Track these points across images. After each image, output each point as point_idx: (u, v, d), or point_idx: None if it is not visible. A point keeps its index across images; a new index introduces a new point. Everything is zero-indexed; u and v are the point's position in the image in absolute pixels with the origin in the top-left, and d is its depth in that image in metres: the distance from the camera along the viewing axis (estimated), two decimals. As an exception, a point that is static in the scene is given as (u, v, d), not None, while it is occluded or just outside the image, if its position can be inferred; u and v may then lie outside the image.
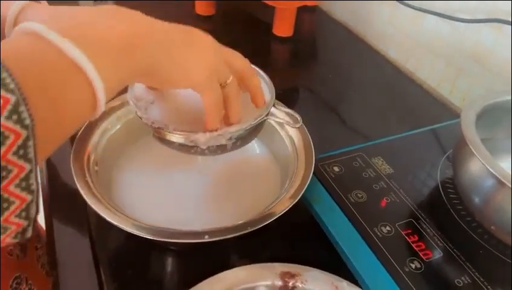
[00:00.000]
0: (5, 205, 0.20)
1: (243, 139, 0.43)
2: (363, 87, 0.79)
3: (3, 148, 0.19)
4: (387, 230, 0.44)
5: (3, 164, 0.19)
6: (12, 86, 0.20)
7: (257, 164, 0.53)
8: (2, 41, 0.23)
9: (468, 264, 0.42)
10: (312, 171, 0.47)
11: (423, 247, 0.43)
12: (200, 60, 0.33)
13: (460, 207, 0.47)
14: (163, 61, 0.30)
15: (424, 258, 0.42)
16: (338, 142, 0.60)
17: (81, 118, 0.26)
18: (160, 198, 0.49)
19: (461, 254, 0.43)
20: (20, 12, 0.40)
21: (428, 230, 0.45)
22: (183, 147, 0.41)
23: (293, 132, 0.52)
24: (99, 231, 0.48)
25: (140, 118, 0.41)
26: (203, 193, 0.50)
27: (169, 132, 0.40)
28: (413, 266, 0.41)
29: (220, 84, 0.36)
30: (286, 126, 0.53)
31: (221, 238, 0.39)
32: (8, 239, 0.22)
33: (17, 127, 0.20)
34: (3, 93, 0.19)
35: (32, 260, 0.44)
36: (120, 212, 0.41)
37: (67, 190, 0.51)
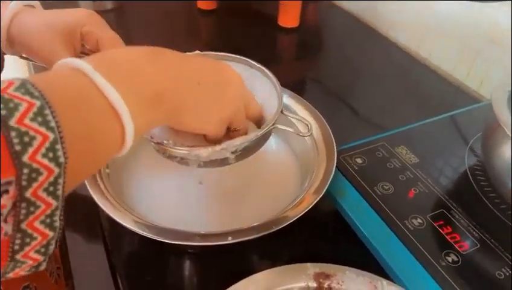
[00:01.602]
0: (27, 240, 0.20)
1: (248, 151, 0.40)
2: (374, 76, 0.77)
3: (35, 185, 0.19)
4: (419, 222, 0.42)
5: (33, 199, 0.19)
6: (52, 124, 0.20)
7: (274, 159, 0.51)
8: (45, 73, 0.24)
9: (507, 254, 0.39)
10: (335, 163, 0.44)
11: (458, 238, 0.40)
12: (221, 113, 0.34)
13: (493, 194, 0.45)
14: (187, 111, 0.31)
15: (460, 250, 0.39)
16: (354, 133, 0.58)
17: (107, 158, 0.27)
18: (175, 200, 0.47)
19: (499, 244, 0.40)
20: (15, 17, 0.39)
21: (461, 220, 0.42)
22: (185, 161, 0.39)
23: (312, 124, 0.49)
24: (114, 238, 0.46)
25: None
26: (219, 194, 0.48)
27: (170, 147, 0.37)
28: (449, 259, 0.39)
29: (230, 129, 0.37)
30: (302, 115, 0.50)
31: (245, 239, 0.37)
32: (21, 272, 0.22)
33: (52, 165, 0.20)
34: (43, 130, 0.20)
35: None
36: (137, 217, 0.39)
37: (78, 196, 0.49)
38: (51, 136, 0.20)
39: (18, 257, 0.20)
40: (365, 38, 0.89)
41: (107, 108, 0.24)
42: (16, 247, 0.20)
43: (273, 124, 0.40)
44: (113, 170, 0.45)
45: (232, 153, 0.38)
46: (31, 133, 0.19)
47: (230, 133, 0.38)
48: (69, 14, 0.40)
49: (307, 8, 0.93)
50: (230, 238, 0.37)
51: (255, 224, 0.38)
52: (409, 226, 0.41)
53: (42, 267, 0.23)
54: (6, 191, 0.19)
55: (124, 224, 0.38)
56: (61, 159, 0.20)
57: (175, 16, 0.92)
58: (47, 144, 0.20)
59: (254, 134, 0.38)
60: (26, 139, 0.19)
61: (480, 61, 0.70)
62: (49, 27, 0.38)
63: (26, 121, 0.19)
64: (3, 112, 0.19)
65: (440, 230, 0.41)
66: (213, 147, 0.37)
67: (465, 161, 0.50)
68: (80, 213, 0.48)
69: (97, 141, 0.24)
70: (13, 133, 0.19)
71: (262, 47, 0.83)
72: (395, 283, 0.35)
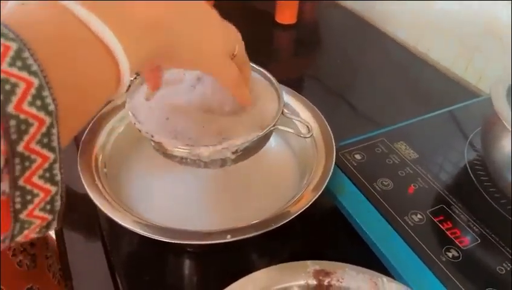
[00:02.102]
0: (28, 197, 0.19)
1: (248, 151, 0.40)
2: (372, 72, 0.77)
3: (27, 137, 0.18)
4: (419, 218, 0.41)
5: (26, 153, 0.18)
6: (34, 67, 0.18)
7: (273, 157, 0.51)
8: (18, 9, 0.21)
9: (507, 249, 0.39)
10: (334, 160, 0.44)
11: (458, 234, 0.40)
12: (213, 37, 0.31)
13: (494, 189, 0.45)
14: (183, 43, 0.28)
15: (460, 246, 0.39)
16: (352, 130, 0.57)
17: (103, 99, 0.24)
18: (174, 199, 0.46)
19: (499, 239, 0.40)
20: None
21: (461, 216, 0.42)
22: (186, 161, 0.39)
23: (310, 121, 0.49)
24: (112, 237, 0.45)
25: (140, 130, 0.38)
26: (218, 192, 0.47)
27: (170, 147, 0.37)
28: (450, 255, 0.38)
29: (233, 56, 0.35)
30: (301, 114, 0.50)
31: (244, 237, 0.37)
32: (32, 234, 0.20)
33: (41, 114, 0.18)
34: (26, 75, 0.18)
35: (43, 270, 0.42)
36: (136, 216, 0.38)
37: (76, 195, 0.49)
38: (35, 81, 0.18)
39: (22, 216, 0.19)
40: (363, 35, 0.88)
41: (96, 44, 0.22)
42: (18, 206, 0.19)
43: (274, 125, 0.39)
44: (111, 169, 0.45)
45: (233, 153, 0.38)
46: (12, 79, 0.17)
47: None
48: None
49: (305, 4, 0.93)
50: (229, 236, 0.36)
51: (254, 222, 0.38)
52: (409, 222, 0.41)
53: (53, 227, 0.21)
54: None
55: (123, 224, 0.37)
56: (51, 107, 0.19)
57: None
58: (32, 91, 0.18)
59: (255, 134, 0.38)
60: (8, 87, 0.17)
61: (479, 56, 0.69)
62: None
63: (4, 66, 0.17)
64: None
65: (440, 225, 0.41)
66: (214, 147, 0.36)
67: (464, 155, 0.50)
68: (78, 213, 0.48)
69: (89, 82, 0.22)
70: None
71: (260, 44, 0.83)
72: (395, 279, 0.35)
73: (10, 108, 0.17)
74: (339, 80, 0.74)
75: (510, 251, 0.39)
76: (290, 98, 0.51)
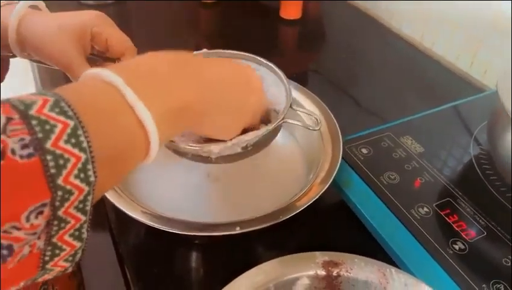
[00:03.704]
0: (56, 251, 0.21)
1: (258, 146, 0.40)
2: (377, 67, 0.77)
3: (67, 204, 0.20)
4: (425, 211, 0.42)
5: (64, 217, 0.20)
6: (84, 144, 0.20)
7: (281, 151, 0.51)
8: (75, 86, 0.24)
9: (513, 242, 0.40)
10: (341, 153, 0.44)
11: (464, 227, 0.41)
12: (241, 121, 0.35)
13: (499, 183, 0.45)
14: (209, 121, 0.32)
15: (467, 238, 0.40)
16: (358, 124, 0.58)
17: (131, 169, 0.27)
18: (182, 191, 0.47)
19: (505, 231, 0.40)
20: (22, 19, 0.39)
21: (467, 209, 0.42)
22: (197, 158, 0.39)
23: (316, 114, 0.49)
24: (121, 230, 0.46)
25: None
26: (226, 185, 0.48)
27: (181, 145, 0.37)
28: (456, 247, 0.39)
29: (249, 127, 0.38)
30: (308, 108, 0.50)
31: (253, 229, 0.37)
32: (49, 277, 0.23)
33: (83, 185, 0.20)
34: (77, 152, 0.20)
35: (55, 265, 0.43)
36: (145, 208, 0.39)
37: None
38: (83, 157, 0.20)
39: (48, 266, 0.21)
40: (368, 29, 0.89)
41: (134, 122, 0.24)
42: (46, 258, 0.21)
43: (283, 119, 0.40)
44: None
45: (243, 148, 0.38)
46: (66, 155, 0.20)
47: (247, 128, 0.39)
48: (79, 16, 0.40)
49: (309, 0, 0.93)
50: (238, 228, 0.37)
51: (263, 214, 0.38)
52: (416, 215, 0.41)
53: (69, 271, 0.23)
54: (41, 213, 0.19)
55: (132, 215, 0.38)
56: (92, 179, 0.21)
57: (177, 8, 0.92)
58: (79, 165, 0.20)
59: (265, 129, 0.38)
60: (61, 161, 0.19)
61: (484, 50, 0.70)
62: (60, 29, 0.38)
63: (61, 143, 0.20)
64: (40, 135, 0.19)
65: (446, 219, 0.41)
66: (224, 143, 0.37)
67: (470, 150, 0.50)
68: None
69: (124, 156, 0.25)
70: (49, 157, 0.19)
71: (265, 39, 0.83)
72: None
73: (60, 180, 0.19)
74: (344, 75, 0.74)
75: (516, 244, 0.39)
76: (296, 93, 0.52)
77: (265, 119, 0.41)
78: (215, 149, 0.37)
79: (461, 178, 0.46)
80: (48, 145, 0.19)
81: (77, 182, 0.20)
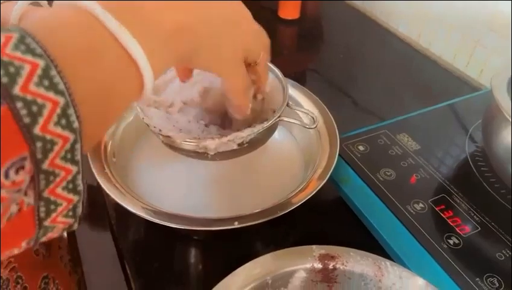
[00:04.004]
0: (51, 207, 0.19)
1: (255, 143, 0.41)
2: (374, 67, 0.77)
3: (52, 155, 0.18)
4: (421, 207, 0.43)
5: (50, 169, 0.18)
6: (61, 86, 0.18)
7: (278, 147, 0.52)
8: (45, 17, 0.21)
9: (506, 237, 0.40)
10: (338, 150, 0.45)
11: (459, 222, 0.41)
12: (232, 41, 0.31)
13: (494, 179, 0.46)
14: (202, 46, 0.28)
15: (461, 233, 0.40)
16: (355, 123, 0.58)
17: (125, 107, 0.24)
18: (181, 187, 0.47)
19: (499, 226, 0.41)
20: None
21: (462, 205, 0.43)
22: (193, 154, 0.39)
23: (314, 112, 0.50)
24: (121, 225, 0.46)
25: (148, 125, 0.39)
26: (224, 181, 0.48)
27: (177, 140, 0.38)
28: (451, 242, 0.39)
29: (250, 64, 0.34)
30: (305, 106, 0.51)
31: (251, 223, 0.38)
32: (54, 235, 0.21)
33: (66, 132, 0.18)
34: (52, 95, 0.17)
35: (56, 259, 0.43)
36: (145, 204, 0.39)
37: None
38: (61, 100, 0.18)
39: (46, 223, 0.20)
40: (365, 29, 0.89)
41: (121, 55, 0.21)
42: (42, 215, 0.19)
43: (279, 116, 0.40)
44: (119, 158, 0.46)
45: (239, 145, 0.39)
46: (39, 100, 0.17)
47: (251, 69, 0.35)
48: None
49: (307, 0, 0.93)
50: (236, 223, 0.37)
51: (261, 209, 0.39)
52: (411, 211, 0.42)
53: (75, 227, 0.22)
54: (22, 167, 0.17)
55: (131, 210, 0.38)
56: (76, 124, 0.18)
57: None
58: (58, 111, 0.18)
59: (260, 126, 0.38)
60: (35, 108, 0.17)
61: (480, 50, 0.70)
62: None
63: (32, 86, 0.17)
64: (4, 79, 0.16)
65: (441, 214, 0.42)
66: (220, 139, 0.37)
67: (465, 147, 0.51)
68: (87, 202, 0.49)
69: (112, 94, 0.22)
70: (19, 104, 0.16)
71: (263, 39, 0.84)
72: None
73: (36, 130, 0.17)
74: (342, 74, 0.75)
75: (509, 238, 0.40)
76: (294, 91, 0.52)
77: (263, 118, 0.41)
78: (211, 145, 0.37)
79: (456, 175, 0.47)
80: (16, 91, 0.16)
81: (59, 130, 0.18)
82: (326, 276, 0.33)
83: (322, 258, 0.33)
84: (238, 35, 0.31)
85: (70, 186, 0.20)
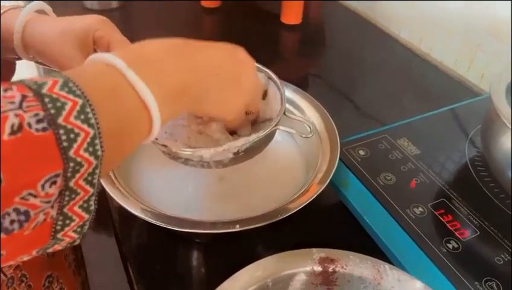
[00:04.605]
0: (67, 221, 0.23)
1: (251, 151, 0.41)
2: (376, 72, 0.78)
3: (78, 175, 0.22)
4: (420, 211, 0.43)
5: (74, 188, 0.22)
6: (92, 120, 0.22)
7: (279, 152, 0.52)
8: (81, 69, 0.26)
9: (505, 241, 0.41)
10: (338, 154, 0.45)
11: (458, 226, 0.42)
12: (239, 99, 0.36)
13: (493, 184, 0.46)
14: (208, 101, 0.33)
15: (460, 237, 0.41)
16: (356, 127, 0.59)
17: (136, 145, 0.29)
18: (183, 190, 0.48)
19: (498, 231, 0.41)
20: (28, 23, 0.40)
21: (461, 209, 0.43)
22: (190, 162, 0.40)
23: (314, 117, 0.51)
24: (124, 228, 0.47)
25: None
26: (226, 184, 0.49)
27: (174, 149, 0.38)
28: (450, 246, 0.40)
29: (247, 112, 0.40)
30: (306, 110, 0.52)
31: (253, 227, 0.38)
32: (58, 248, 0.24)
33: (92, 158, 0.22)
34: (86, 127, 0.22)
35: (61, 259, 0.44)
36: (148, 207, 0.40)
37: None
38: (92, 132, 0.22)
39: (59, 235, 0.23)
40: (367, 34, 0.90)
41: (137, 102, 0.26)
42: (58, 227, 0.23)
43: (276, 125, 0.40)
44: (123, 162, 0.47)
45: (235, 154, 0.39)
46: (76, 130, 0.22)
47: (246, 115, 0.40)
48: (82, 20, 0.41)
49: (309, 5, 0.94)
50: (238, 226, 0.38)
51: (262, 213, 0.39)
52: (411, 215, 0.42)
53: (77, 243, 0.25)
54: (55, 182, 0.21)
55: (134, 213, 0.39)
56: (99, 152, 0.23)
57: (179, 14, 0.94)
58: (88, 140, 0.22)
59: (256, 135, 0.39)
60: (72, 135, 0.21)
61: (481, 55, 0.71)
62: (63, 33, 0.40)
63: (72, 119, 0.22)
64: (52, 111, 0.21)
65: (441, 218, 0.42)
66: (215, 149, 0.38)
67: (465, 152, 0.51)
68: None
69: (128, 132, 0.27)
70: (61, 131, 0.21)
71: (266, 44, 0.84)
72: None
73: (71, 153, 0.21)
74: (343, 79, 0.76)
75: (508, 243, 0.40)
76: (295, 96, 0.53)
77: (260, 126, 0.42)
78: (206, 154, 0.38)
79: (456, 179, 0.47)
80: (60, 120, 0.21)
81: (86, 155, 0.22)
82: (326, 279, 0.33)
83: (322, 261, 0.33)
84: (244, 89, 0.36)
85: (85, 205, 0.23)
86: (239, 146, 0.38)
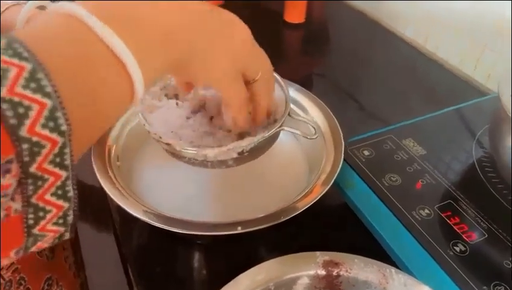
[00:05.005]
0: (40, 213, 0.19)
1: (256, 152, 0.40)
2: (381, 71, 0.77)
3: (40, 158, 0.18)
4: (426, 213, 0.42)
5: (39, 173, 0.18)
6: (48, 89, 0.18)
7: (283, 152, 0.51)
8: (34, 25, 0.21)
9: (514, 244, 0.40)
10: (342, 155, 0.45)
11: (466, 229, 0.41)
12: (227, 53, 0.30)
13: (501, 186, 0.45)
14: (196, 56, 0.28)
15: (468, 240, 0.40)
16: (361, 127, 0.58)
17: (116, 115, 0.24)
18: (185, 191, 0.47)
19: (506, 234, 0.40)
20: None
21: (469, 211, 0.42)
22: (194, 161, 0.39)
23: (318, 117, 0.50)
24: (124, 230, 0.46)
25: (149, 132, 0.39)
26: (228, 185, 0.48)
27: (178, 148, 0.38)
28: (457, 249, 0.39)
29: (249, 81, 0.34)
30: (310, 110, 0.51)
31: (255, 229, 0.37)
32: (45, 245, 0.21)
33: (54, 135, 0.18)
34: (39, 97, 0.18)
35: (60, 261, 0.43)
36: (148, 208, 0.39)
37: (88, 188, 0.50)
38: (49, 103, 0.18)
39: (35, 231, 0.20)
40: (372, 33, 0.89)
41: (109, 59, 0.21)
42: (30, 222, 0.19)
43: (280, 126, 0.40)
44: (123, 162, 0.46)
45: (239, 153, 0.39)
46: (25, 102, 0.17)
47: (250, 86, 0.35)
48: None
49: (313, 3, 0.93)
50: (239, 228, 0.37)
51: (264, 214, 0.38)
52: (417, 217, 0.41)
53: (65, 238, 0.22)
54: (8, 170, 0.17)
55: (135, 214, 0.38)
56: (64, 127, 0.19)
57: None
58: (45, 113, 0.18)
59: (260, 135, 0.38)
60: (21, 110, 0.17)
61: (488, 54, 0.70)
62: None
63: (18, 88, 0.17)
64: None
65: (448, 220, 0.41)
66: (220, 148, 0.37)
67: (472, 152, 0.50)
68: (91, 205, 0.49)
69: (103, 99, 0.22)
70: (5, 106, 0.17)
71: (269, 43, 0.83)
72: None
73: (23, 131, 0.17)
74: (348, 78, 0.75)
75: (517, 246, 0.39)
76: (299, 95, 0.52)
77: (264, 126, 0.41)
78: (210, 153, 0.37)
79: (463, 181, 0.46)
80: (3, 93, 0.17)
81: (46, 132, 0.18)
82: (330, 283, 0.32)
83: (326, 264, 0.32)
84: (234, 48, 0.31)
85: (60, 192, 0.19)
86: (244, 146, 0.38)
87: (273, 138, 0.42)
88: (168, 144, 0.38)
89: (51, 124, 0.18)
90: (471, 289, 0.36)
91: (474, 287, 0.36)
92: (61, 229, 0.21)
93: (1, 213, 0.18)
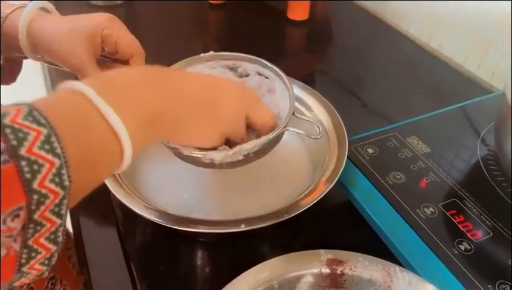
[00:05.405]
0: (33, 254, 0.22)
1: (261, 152, 0.41)
2: (384, 69, 0.77)
3: (43, 207, 0.21)
4: (431, 211, 0.42)
5: (39, 220, 0.21)
6: (58, 150, 0.21)
7: (287, 150, 0.51)
8: (49, 97, 0.26)
9: (520, 243, 0.39)
10: (346, 153, 0.44)
11: (470, 227, 0.40)
12: (217, 129, 0.35)
13: (506, 184, 0.45)
14: (183, 130, 0.33)
15: (472, 239, 0.39)
16: (365, 125, 0.58)
17: (106, 175, 0.28)
18: (189, 190, 0.47)
19: (511, 232, 0.40)
20: (32, 21, 0.39)
21: (474, 209, 0.42)
22: (200, 163, 0.39)
23: (322, 115, 0.50)
24: (127, 227, 0.46)
25: None
26: (232, 183, 0.48)
27: (185, 152, 0.38)
28: (462, 247, 0.39)
29: (230, 141, 0.38)
30: (314, 108, 0.50)
31: (258, 226, 0.37)
32: (26, 281, 0.23)
33: (58, 189, 0.21)
34: (51, 157, 0.21)
35: (64, 260, 0.43)
36: (151, 206, 0.39)
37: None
38: (57, 162, 0.21)
39: (24, 269, 0.22)
40: (375, 30, 0.89)
41: (107, 131, 0.26)
42: (23, 261, 0.22)
43: (285, 127, 0.40)
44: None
45: (245, 156, 0.39)
46: (40, 161, 0.21)
47: (230, 143, 0.39)
48: (90, 18, 0.41)
49: (316, 1, 0.93)
50: (243, 225, 0.37)
51: (268, 212, 0.38)
52: (421, 215, 0.41)
53: (45, 275, 0.24)
54: (17, 216, 0.20)
55: (138, 212, 0.38)
56: (66, 183, 0.22)
57: (185, 10, 0.93)
58: (54, 170, 0.21)
59: (265, 138, 0.38)
60: (35, 167, 0.21)
61: (492, 51, 0.69)
62: (71, 31, 0.39)
63: (35, 149, 0.21)
64: (13, 142, 0.20)
65: (452, 219, 0.41)
66: (226, 152, 0.37)
67: (477, 150, 0.50)
68: (95, 204, 0.49)
69: (98, 162, 0.26)
70: (23, 162, 0.20)
71: (272, 40, 0.83)
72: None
73: (35, 185, 0.20)
74: (351, 76, 0.74)
75: (522, 245, 0.39)
76: (303, 93, 0.52)
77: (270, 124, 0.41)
78: (217, 157, 0.38)
79: (468, 179, 0.46)
80: (22, 151, 0.20)
81: (52, 186, 0.21)
82: (334, 281, 0.32)
83: (330, 263, 0.32)
84: (220, 120, 0.35)
85: (52, 237, 0.22)
86: (249, 149, 0.38)
87: (278, 138, 0.42)
88: (175, 148, 0.38)
89: (57, 179, 0.21)
90: (476, 288, 0.36)
91: (479, 286, 0.36)
92: (44, 268, 0.23)
93: (3, 251, 0.20)
